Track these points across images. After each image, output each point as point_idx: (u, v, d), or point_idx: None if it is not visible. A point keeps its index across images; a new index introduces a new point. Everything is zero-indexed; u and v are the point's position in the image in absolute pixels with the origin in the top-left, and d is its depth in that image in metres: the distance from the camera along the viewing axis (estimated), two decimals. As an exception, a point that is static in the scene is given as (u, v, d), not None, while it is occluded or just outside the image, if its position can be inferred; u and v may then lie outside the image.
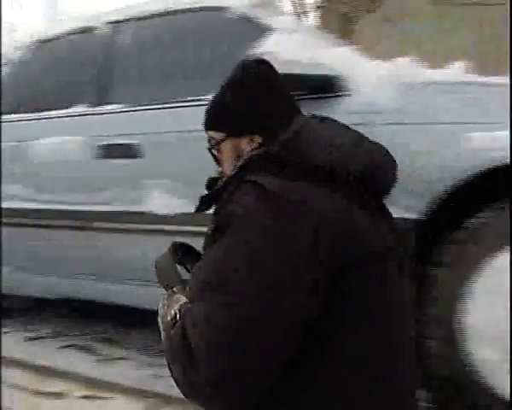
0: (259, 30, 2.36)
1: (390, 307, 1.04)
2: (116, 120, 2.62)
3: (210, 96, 2.32)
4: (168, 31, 2.74)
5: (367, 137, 1.17)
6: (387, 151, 1.18)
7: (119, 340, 2.85)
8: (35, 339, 2.90)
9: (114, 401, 2.22)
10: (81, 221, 2.64)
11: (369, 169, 1.10)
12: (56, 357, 2.54)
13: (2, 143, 2.94)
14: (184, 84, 2.58)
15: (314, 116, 1.23)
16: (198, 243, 2.28)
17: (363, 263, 0.98)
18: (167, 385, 2.16)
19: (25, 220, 2.88)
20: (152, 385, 2.20)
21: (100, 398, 2.26)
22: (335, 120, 1.21)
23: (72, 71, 3.00)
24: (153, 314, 2.59)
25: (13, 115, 3.04)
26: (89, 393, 2.29)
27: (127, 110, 2.60)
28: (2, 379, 2.49)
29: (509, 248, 1.76)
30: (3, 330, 3.09)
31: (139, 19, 2.82)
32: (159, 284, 1.23)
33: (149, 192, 2.41)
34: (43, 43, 3.23)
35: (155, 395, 2.12)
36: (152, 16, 2.78)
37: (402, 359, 1.07)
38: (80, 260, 2.76)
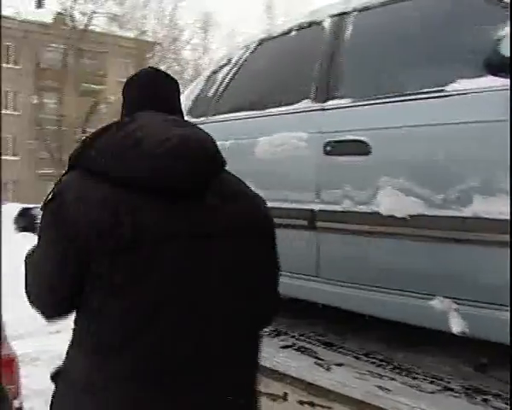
0: (505, 9, 2.08)
1: (156, 280, 1.29)
2: (344, 116, 2.51)
3: (451, 87, 2.13)
4: (400, 19, 2.55)
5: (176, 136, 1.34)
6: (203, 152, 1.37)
7: (338, 344, 2.73)
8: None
9: (334, 411, 2.11)
10: (307, 221, 2.58)
11: (154, 173, 1.30)
12: (276, 357, 2.50)
13: (230, 141, 3.00)
14: (418, 74, 2.39)
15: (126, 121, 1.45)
16: (435, 248, 2.11)
17: (116, 248, 1.28)
18: (395, 401, 2.00)
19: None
20: (377, 398, 2.03)
21: (319, 405, 2.16)
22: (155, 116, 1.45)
23: (297, 67, 2.96)
24: (376, 320, 2.46)
25: (239, 113, 3.10)
26: (306, 399, 2.21)
27: (356, 105, 2.47)
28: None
29: None
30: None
31: (366, 9, 2.68)
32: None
33: (380, 192, 2.26)
34: (267, 41, 3.26)
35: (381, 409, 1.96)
36: (381, 5, 2.60)
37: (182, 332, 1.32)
38: (300, 258, 2.71)
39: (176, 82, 1.65)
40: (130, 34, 36.12)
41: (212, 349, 1.35)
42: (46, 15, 35.68)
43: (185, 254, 1.33)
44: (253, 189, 2.76)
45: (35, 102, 35.80)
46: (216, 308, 1.36)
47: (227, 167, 1.58)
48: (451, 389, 2.15)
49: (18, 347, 3.36)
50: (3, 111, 36.11)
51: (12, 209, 25.00)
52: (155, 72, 1.65)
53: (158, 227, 1.30)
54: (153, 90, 1.57)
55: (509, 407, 1.97)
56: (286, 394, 2.29)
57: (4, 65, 36.20)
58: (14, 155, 36.97)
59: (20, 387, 3.60)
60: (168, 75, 1.64)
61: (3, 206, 28.67)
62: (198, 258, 1.34)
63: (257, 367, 1.56)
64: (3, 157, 35.16)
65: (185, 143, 1.34)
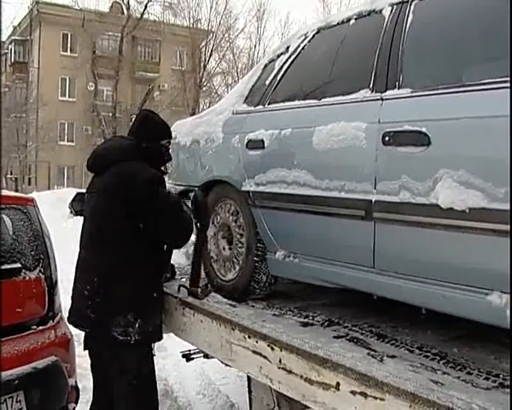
0: None
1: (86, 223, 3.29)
2: (403, 106, 2.48)
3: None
4: (462, 7, 2.50)
5: (112, 145, 3.42)
6: (105, 152, 3.35)
7: (391, 336, 2.71)
8: (308, 325, 2.90)
9: (387, 403, 2.09)
10: (364, 211, 2.57)
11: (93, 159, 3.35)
12: (329, 347, 2.50)
13: (287, 130, 3.00)
14: (480, 64, 2.34)
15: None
16: (495, 242, 2.07)
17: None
18: (449, 395, 1.97)
19: (304, 207, 2.91)
20: (430, 392, 2.00)
21: (371, 396, 2.15)
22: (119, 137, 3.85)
23: (356, 56, 2.94)
24: (429, 313, 2.43)
25: (296, 102, 3.10)
26: (359, 389, 2.20)
27: (416, 95, 2.44)
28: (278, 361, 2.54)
29: None
30: (278, 312, 3.17)
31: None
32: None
33: (439, 184, 2.22)
34: (325, 29, 3.24)
35: (434, 404, 1.93)
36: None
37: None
38: (356, 249, 2.71)
39: (143, 117, 3.47)
40: (185, 22, 36.35)
41: (89, 238, 3.20)
42: (103, 4, 36.30)
43: (89, 199, 3.25)
44: (309, 178, 2.79)
45: (91, 89, 36.45)
46: (92, 222, 3.20)
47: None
48: (508, 386, 2.11)
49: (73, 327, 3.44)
50: (60, 98, 36.97)
51: (68, 194, 25.51)
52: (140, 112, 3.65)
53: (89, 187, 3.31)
54: (133, 123, 3.48)
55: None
56: (338, 383, 2.28)
57: (62, 53, 37.03)
58: (69, 141, 37.82)
59: (75, 366, 3.70)
60: (140, 115, 3.55)
61: (59, 190, 29.32)
62: (92, 201, 3.21)
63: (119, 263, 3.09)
64: (60, 143, 36.03)
65: (95, 152, 3.39)
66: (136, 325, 3.01)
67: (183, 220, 3.21)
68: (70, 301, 3.26)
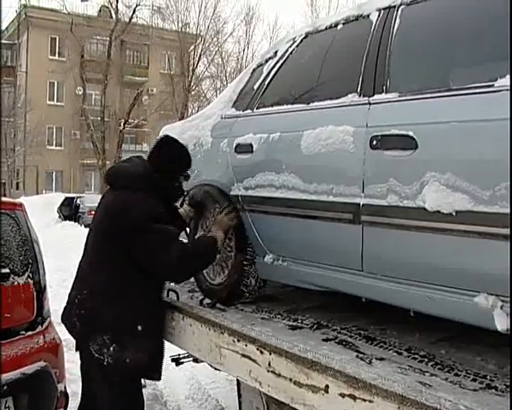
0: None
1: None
2: (391, 110, 2.49)
3: (500, 83, 2.08)
4: (448, 13, 2.52)
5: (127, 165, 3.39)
6: (120, 172, 3.36)
7: (379, 338, 2.73)
8: (297, 328, 2.91)
9: (375, 405, 2.10)
10: (352, 215, 2.58)
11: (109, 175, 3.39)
12: (318, 350, 2.51)
13: (275, 134, 3.01)
14: (466, 69, 2.36)
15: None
16: (481, 245, 2.09)
17: None
18: (437, 396, 1.99)
19: (293, 210, 2.92)
20: (419, 393, 2.01)
21: (360, 399, 2.16)
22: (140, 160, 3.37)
23: (343, 60, 2.96)
24: (417, 315, 2.44)
25: (284, 106, 3.11)
26: (347, 392, 2.21)
27: (403, 99, 2.46)
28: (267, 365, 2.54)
29: None
30: (267, 316, 3.18)
31: (414, 2, 2.64)
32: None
33: (426, 187, 2.24)
34: (313, 34, 3.25)
35: (422, 405, 1.94)
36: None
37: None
38: (344, 252, 2.72)
39: (159, 141, 3.39)
40: (173, 27, 36.33)
41: (91, 247, 3.26)
42: (91, 8, 36.20)
43: (99, 205, 3.30)
44: (297, 182, 2.80)
45: (79, 93, 36.32)
46: (95, 234, 3.24)
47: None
48: (495, 388, 2.12)
49: (63, 333, 3.43)
50: (48, 102, 36.84)
51: (56, 198, 25.41)
52: (161, 138, 3.46)
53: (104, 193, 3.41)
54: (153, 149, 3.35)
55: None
56: (327, 386, 2.29)
57: (50, 57, 36.92)
58: (58, 145, 37.69)
59: (64, 371, 3.68)
60: (160, 140, 3.41)
61: (47, 195, 29.17)
62: (98, 211, 3.27)
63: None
64: (48, 147, 35.88)
65: (114, 167, 3.71)
66: (111, 349, 3.03)
67: (173, 256, 3.02)
68: (65, 301, 3.32)
